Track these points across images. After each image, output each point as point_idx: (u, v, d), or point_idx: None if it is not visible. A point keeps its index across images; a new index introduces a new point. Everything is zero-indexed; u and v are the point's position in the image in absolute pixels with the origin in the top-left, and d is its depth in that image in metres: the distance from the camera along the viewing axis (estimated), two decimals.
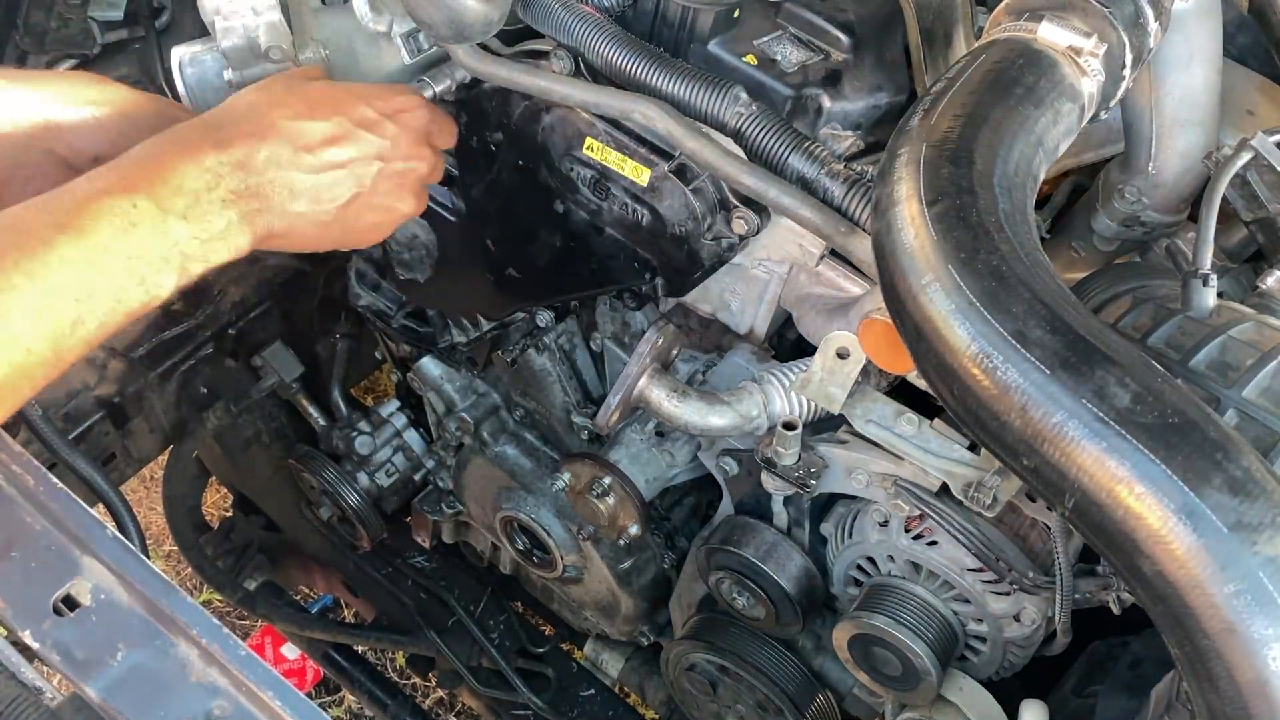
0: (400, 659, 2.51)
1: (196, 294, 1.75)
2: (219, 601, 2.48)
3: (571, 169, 1.21)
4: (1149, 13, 0.96)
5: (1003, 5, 0.98)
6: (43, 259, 0.81)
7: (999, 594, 1.20)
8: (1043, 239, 1.33)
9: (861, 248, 1.02)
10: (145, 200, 0.87)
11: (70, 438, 1.61)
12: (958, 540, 1.15)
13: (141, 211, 0.86)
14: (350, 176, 1.02)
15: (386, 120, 1.04)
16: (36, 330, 0.81)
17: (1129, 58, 0.95)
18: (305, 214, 0.99)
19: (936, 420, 1.13)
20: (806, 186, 1.05)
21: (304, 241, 1.03)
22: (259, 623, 2.39)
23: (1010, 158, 0.86)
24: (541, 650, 1.87)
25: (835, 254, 1.15)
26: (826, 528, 1.33)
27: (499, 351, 1.54)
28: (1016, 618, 1.21)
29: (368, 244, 1.12)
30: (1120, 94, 0.98)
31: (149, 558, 0.98)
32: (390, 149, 1.05)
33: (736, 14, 1.15)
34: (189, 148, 0.92)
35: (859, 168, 1.06)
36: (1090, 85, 0.94)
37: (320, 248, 1.06)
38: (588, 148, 1.18)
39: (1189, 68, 1.12)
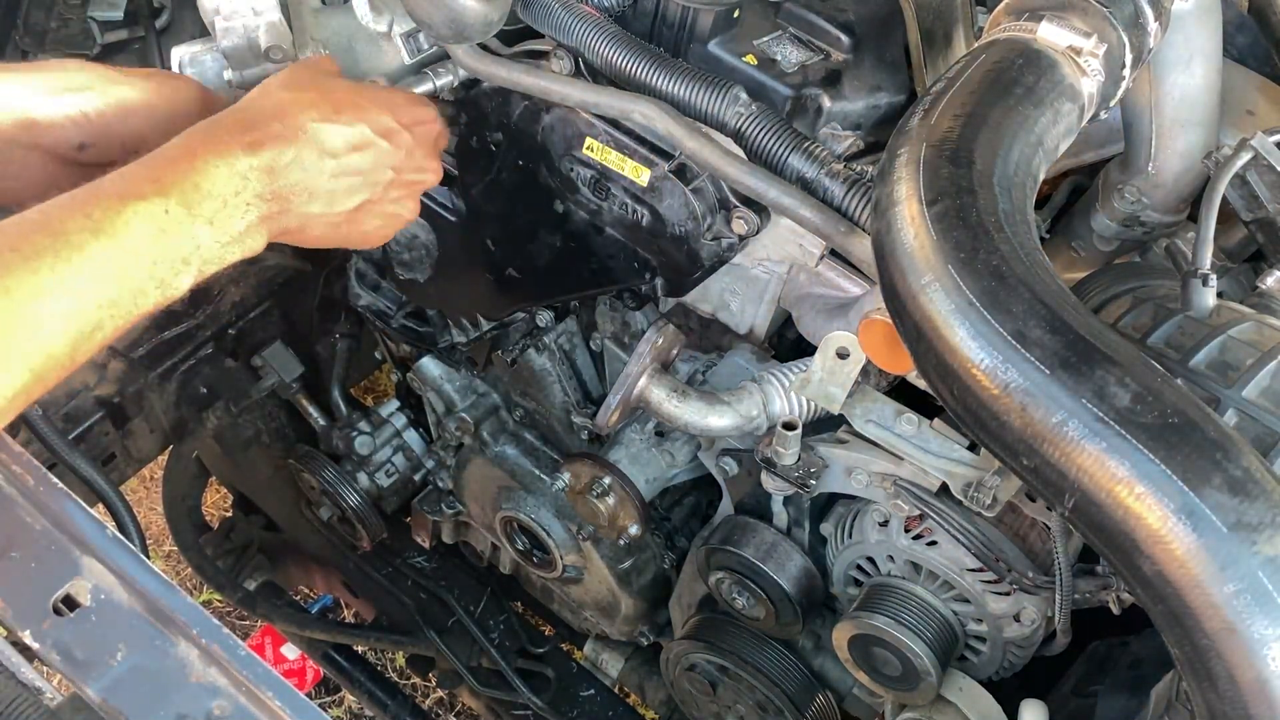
0: (400, 659, 2.51)
1: (196, 294, 1.74)
2: (219, 601, 2.48)
3: (571, 169, 1.21)
4: (1149, 13, 0.96)
5: (1002, 5, 0.98)
6: (77, 265, 0.81)
7: (999, 594, 1.20)
8: (1043, 239, 1.33)
9: (861, 248, 1.02)
10: (177, 205, 0.87)
11: (70, 438, 1.61)
12: (957, 540, 1.15)
13: (172, 217, 0.87)
14: (365, 183, 1.04)
15: (404, 130, 1.06)
16: (62, 336, 0.81)
17: (1129, 58, 0.95)
18: (319, 215, 1.01)
19: (936, 420, 1.13)
20: (806, 186, 1.05)
21: (312, 240, 1.04)
22: (259, 623, 2.39)
23: (1010, 158, 0.86)
24: (541, 650, 1.87)
25: (835, 254, 1.15)
26: (826, 528, 1.33)
27: (499, 351, 1.54)
28: (1016, 618, 1.21)
29: (370, 245, 1.14)
30: (1120, 94, 0.98)
31: (149, 558, 0.98)
32: (404, 159, 1.07)
33: (736, 14, 1.15)
34: (221, 148, 0.92)
35: (859, 168, 1.06)
36: (1090, 85, 0.94)
37: (325, 246, 1.09)
38: (588, 148, 1.18)
39: (1189, 68, 1.12)
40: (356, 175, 1.02)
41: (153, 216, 0.86)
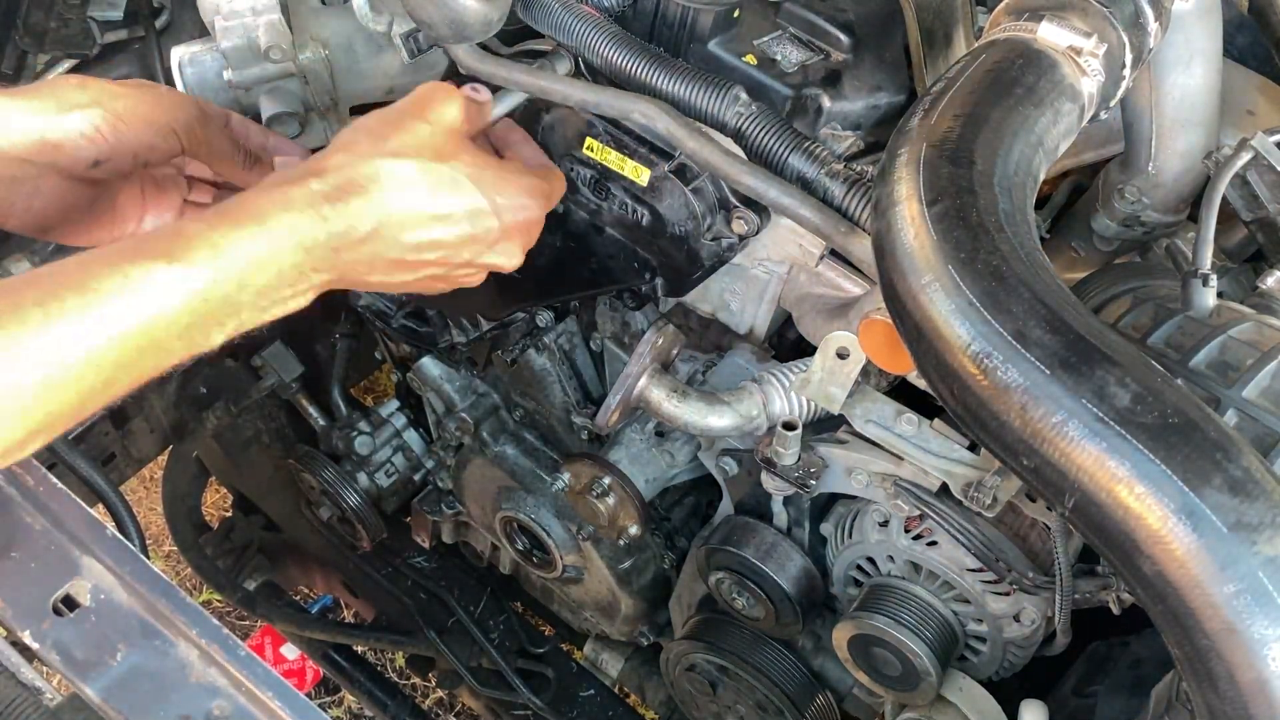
0: (400, 659, 2.51)
1: None
2: (219, 601, 2.48)
3: (571, 169, 1.21)
4: (1149, 13, 0.96)
5: (1003, 5, 0.98)
6: (98, 325, 0.76)
7: (999, 594, 1.20)
8: (1043, 239, 1.33)
9: (861, 248, 1.02)
10: (227, 277, 0.82)
11: (70, 438, 1.61)
12: (957, 540, 1.15)
13: (218, 287, 0.81)
14: (434, 262, 0.97)
15: (497, 218, 0.98)
16: (71, 392, 0.77)
17: (1129, 58, 0.95)
18: (374, 282, 0.96)
19: (936, 420, 1.13)
20: (806, 186, 1.05)
21: (355, 288, 0.99)
22: (259, 623, 2.39)
23: (1010, 158, 0.86)
24: (541, 650, 1.87)
25: (835, 254, 1.15)
26: (826, 528, 1.33)
27: (499, 351, 1.54)
28: (1016, 618, 1.21)
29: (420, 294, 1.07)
30: (1120, 94, 0.98)
31: (149, 558, 0.98)
32: (486, 249, 0.99)
33: (736, 14, 1.15)
34: (292, 215, 0.85)
35: (859, 168, 1.06)
36: (1090, 85, 0.94)
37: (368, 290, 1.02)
38: (588, 148, 1.18)
39: (1189, 68, 1.12)
40: (429, 256, 0.96)
41: (197, 286, 0.80)
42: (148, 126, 1.02)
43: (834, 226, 1.04)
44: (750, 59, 1.14)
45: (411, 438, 1.81)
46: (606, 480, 1.37)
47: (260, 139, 1.11)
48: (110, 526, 0.94)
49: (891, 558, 1.25)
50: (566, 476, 1.42)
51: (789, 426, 1.17)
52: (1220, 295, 1.07)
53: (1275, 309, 1.11)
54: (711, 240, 1.15)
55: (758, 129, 1.06)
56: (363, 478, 1.78)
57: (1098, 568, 1.10)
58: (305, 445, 1.84)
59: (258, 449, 2.00)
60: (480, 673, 1.87)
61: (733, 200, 1.12)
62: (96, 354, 0.76)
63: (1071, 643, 1.18)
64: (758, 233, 1.13)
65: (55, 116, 0.99)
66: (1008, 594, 1.19)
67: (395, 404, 1.82)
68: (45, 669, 0.91)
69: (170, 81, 1.19)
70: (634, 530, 1.40)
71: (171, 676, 0.87)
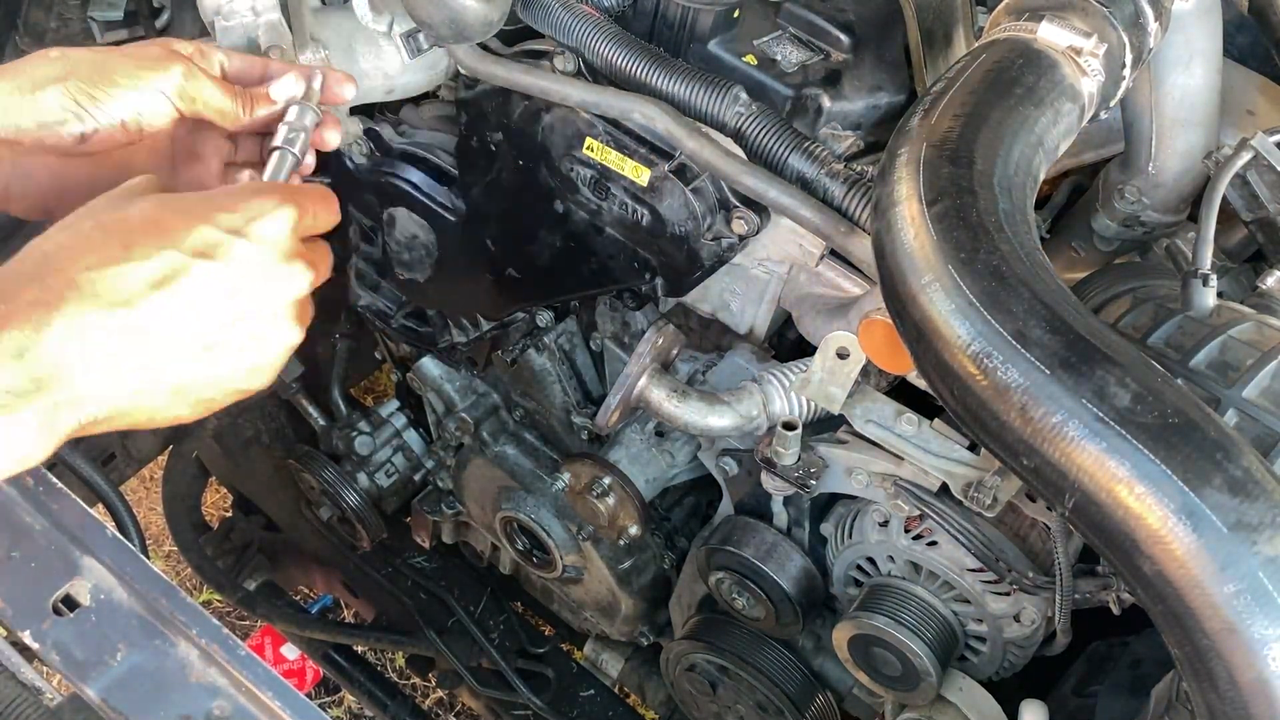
0: (400, 659, 2.51)
1: None
2: (219, 601, 2.48)
3: (571, 169, 1.21)
4: (1149, 13, 0.96)
5: (1003, 5, 0.98)
6: None
7: (999, 594, 1.20)
8: (1043, 239, 1.33)
9: (861, 248, 1.02)
10: None
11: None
12: (958, 540, 1.15)
13: None
14: (195, 326, 0.79)
15: (237, 237, 0.81)
16: None
17: (1129, 58, 0.95)
18: (139, 389, 0.77)
19: (936, 420, 1.13)
20: (806, 186, 1.06)
21: (149, 419, 0.80)
22: (259, 623, 2.39)
23: (1010, 158, 0.86)
24: (541, 650, 1.87)
25: (835, 254, 1.15)
26: (826, 528, 1.33)
27: (499, 351, 1.54)
28: (1016, 618, 1.21)
29: (251, 390, 0.89)
30: (1120, 94, 0.98)
31: (149, 558, 0.98)
32: (243, 276, 0.81)
33: (736, 14, 1.15)
34: None
35: (859, 168, 1.06)
36: (1090, 85, 0.94)
37: (181, 420, 0.83)
38: (588, 148, 1.18)
39: (1189, 68, 1.12)
40: (175, 321, 0.77)
41: None
42: (130, 91, 0.96)
43: (834, 226, 1.04)
44: (750, 59, 1.14)
45: (411, 438, 1.81)
46: (606, 480, 1.37)
47: (261, 71, 1.04)
48: (110, 526, 0.94)
49: (891, 558, 1.25)
50: (566, 476, 1.42)
51: (789, 426, 1.17)
52: (1220, 295, 1.07)
53: (1275, 309, 1.11)
54: (711, 240, 1.15)
55: (758, 129, 1.06)
56: (363, 478, 1.78)
57: (1098, 568, 1.10)
58: (305, 445, 1.85)
59: (258, 449, 1.99)
60: (480, 673, 1.87)
61: (733, 200, 1.12)
62: None
63: (1071, 643, 1.18)
64: (758, 233, 1.13)
65: (30, 95, 0.93)
66: (1008, 594, 1.19)
67: (395, 404, 1.82)
68: (45, 669, 0.91)
69: None
70: (634, 530, 1.40)
71: (171, 676, 0.87)
